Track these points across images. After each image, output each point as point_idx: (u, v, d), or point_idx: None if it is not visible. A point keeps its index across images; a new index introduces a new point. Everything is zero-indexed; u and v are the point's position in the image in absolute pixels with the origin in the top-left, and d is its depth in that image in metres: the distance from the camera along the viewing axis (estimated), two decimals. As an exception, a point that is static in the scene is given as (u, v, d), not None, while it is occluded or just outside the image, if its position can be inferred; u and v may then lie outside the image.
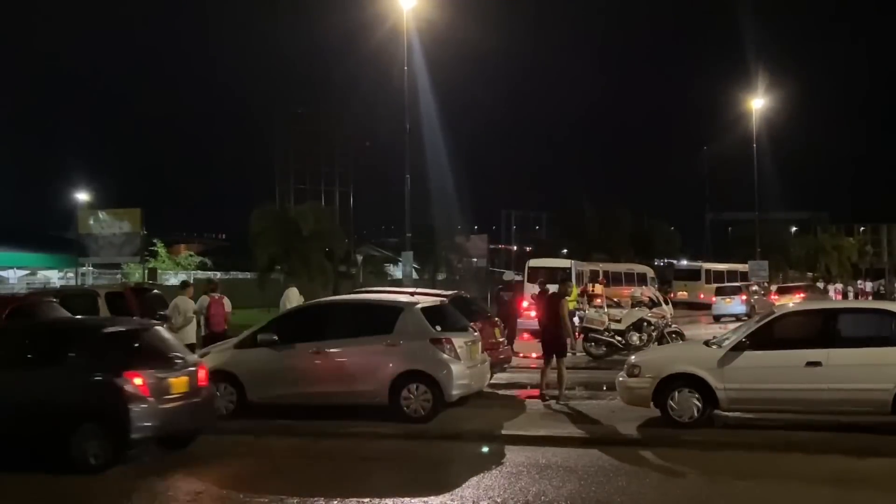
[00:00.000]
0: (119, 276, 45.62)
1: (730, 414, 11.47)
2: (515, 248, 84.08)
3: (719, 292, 43.68)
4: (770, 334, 11.49)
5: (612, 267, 47.37)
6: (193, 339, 15.07)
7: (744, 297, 41.27)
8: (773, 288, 52.97)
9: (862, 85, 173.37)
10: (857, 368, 10.74)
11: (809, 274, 75.86)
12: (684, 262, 63.86)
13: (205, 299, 15.93)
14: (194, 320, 15.11)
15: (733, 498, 8.71)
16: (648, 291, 30.91)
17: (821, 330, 11.41)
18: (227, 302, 16.50)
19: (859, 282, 63.25)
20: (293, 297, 17.73)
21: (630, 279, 45.26)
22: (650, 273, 49.78)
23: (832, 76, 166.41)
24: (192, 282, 18.20)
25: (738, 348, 11.28)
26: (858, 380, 10.69)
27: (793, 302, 29.81)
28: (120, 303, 16.22)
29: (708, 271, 52.60)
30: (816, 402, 10.96)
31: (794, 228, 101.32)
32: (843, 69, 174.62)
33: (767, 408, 11.45)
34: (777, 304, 31.38)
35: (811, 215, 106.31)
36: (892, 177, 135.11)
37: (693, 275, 54.04)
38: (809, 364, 10.82)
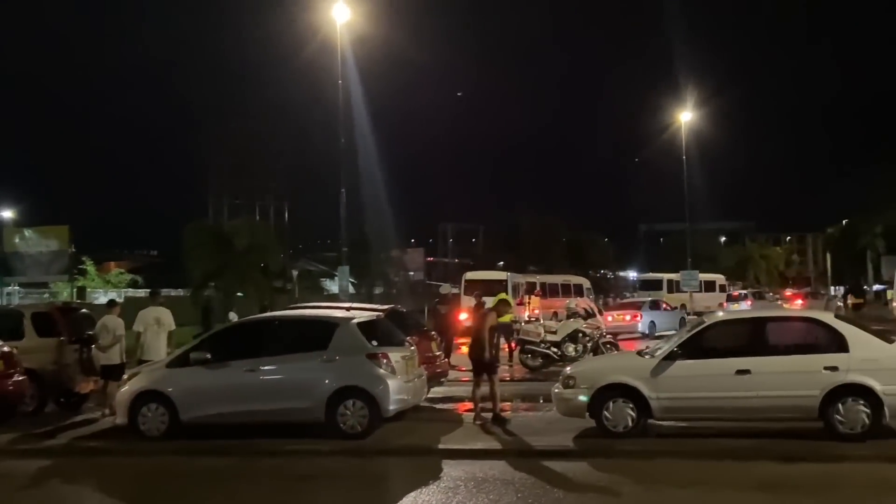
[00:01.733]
0: (47, 295, 44.52)
1: (663, 423, 11.58)
2: (455, 260, 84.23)
3: None
4: (701, 343, 11.61)
5: (549, 278, 47.76)
6: (121, 360, 14.68)
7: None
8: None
9: (790, 101, 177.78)
10: (784, 376, 10.89)
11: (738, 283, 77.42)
12: (649, 274, 64.63)
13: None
14: (123, 340, 14.79)
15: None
16: (584, 303, 31.21)
17: (749, 338, 11.61)
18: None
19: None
20: (165, 322, 15.53)
21: (567, 290, 45.62)
22: (586, 284, 50.34)
23: (762, 92, 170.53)
24: (120, 300, 17.82)
25: (669, 358, 11.41)
26: (786, 387, 10.84)
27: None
28: (46, 323, 15.77)
29: (669, 281, 53.33)
30: (746, 409, 11.12)
31: (723, 238, 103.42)
32: (774, 85, 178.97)
33: (699, 416, 11.54)
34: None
35: (740, 225, 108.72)
36: (816, 188, 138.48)
37: (655, 285, 54.74)
38: (739, 372, 10.99)
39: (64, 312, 16.77)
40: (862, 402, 10.58)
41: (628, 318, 35.61)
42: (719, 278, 60.33)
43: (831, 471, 9.68)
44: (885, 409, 10.57)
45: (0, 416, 13.92)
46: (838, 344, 10.94)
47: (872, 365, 10.69)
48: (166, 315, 15.38)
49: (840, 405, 10.63)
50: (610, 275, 79.71)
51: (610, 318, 35.51)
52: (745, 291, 67.62)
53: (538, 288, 40.96)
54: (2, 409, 14.06)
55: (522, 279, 43.44)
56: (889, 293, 32.91)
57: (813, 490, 9.07)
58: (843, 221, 74.26)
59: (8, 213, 54.45)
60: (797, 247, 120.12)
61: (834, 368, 10.71)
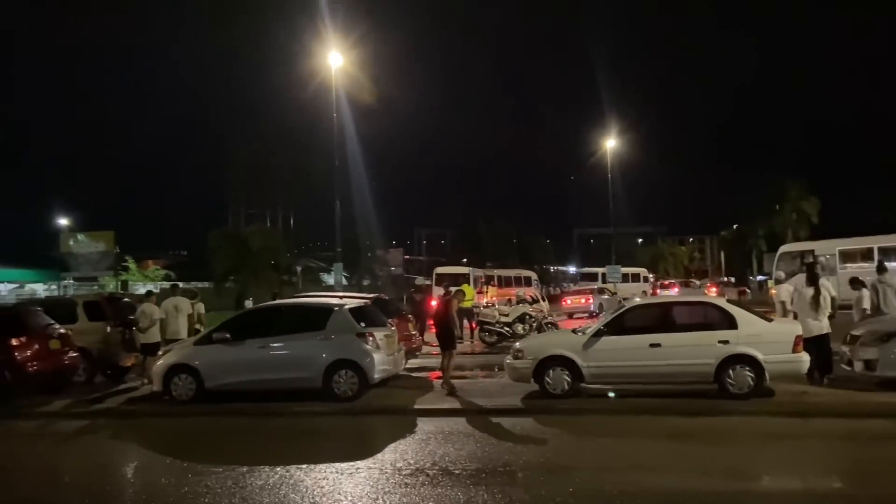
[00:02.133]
0: (96, 287, 43.97)
1: (592, 386, 11.62)
2: (427, 258, 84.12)
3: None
4: (622, 323, 11.66)
5: (505, 272, 48.06)
6: (158, 339, 14.60)
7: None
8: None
9: (693, 127, 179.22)
10: (687, 348, 10.98)
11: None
12: (587, 268, 65.17)
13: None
14: (158, 323, 14.69)
15: (596, 452, 8.85)
16: (531, 291, 31.35)
17: (660, 319, 11.70)
18: (199, 307, 16.36)
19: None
20: (183, 309, 15.24)
21: (519, 282, 45.95)
22: (534, 277, 50.72)
23: (671, 120, 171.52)
24: (156, 291, 17.67)
25: (597, 335, 11.47)
26: (689, 357, 10.94)
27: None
28: (95, 310, 15.61)
29: (603, 274, 53.60)
30: (658, 375, 11.20)
31: (640, 240, 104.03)
32: (679, 114, 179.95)
33: (621, 381, 11.60)
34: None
35: (653, 229, 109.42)
36: (713, 198, 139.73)
37: (592, 277, 55.04)
38: (652, 345, 11.07)
39: (110, 301, 16.60)
40: (748, 368, 10.70)
41: (583, 301, 38.56)
42: (643, 271, 60.86)
43: (724, 423, 9.77)
44: (766, 373, 10.70)
45: (58, 385, 13.79)
46: (729, 322, 11.05)
47: (756, 339, 10.82)
48: (184, 303, 15.28)
49: (731, 371, 10.74)
50: (552, 269, 79.96)
51: (569, 301, 39.47)
52: (674, 281, 68.98)
53: (495, 280, 41.34)
54: (59, 380, 13.93)
55: (482, 273, 43.66)
56: (769, 283, 33.43)
57: (710, 438, 9.18)
58: (734, 226, 75.02)
59: (64, 221, 53.69)
60: (698, 246, 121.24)
61: (726, 342, 10.82)
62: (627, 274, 54.77)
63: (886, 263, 15.51)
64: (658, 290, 56.23)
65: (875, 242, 29.78)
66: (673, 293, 50.71)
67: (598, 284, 47.53)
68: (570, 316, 34.77)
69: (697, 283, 74.72)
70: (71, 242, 42.15)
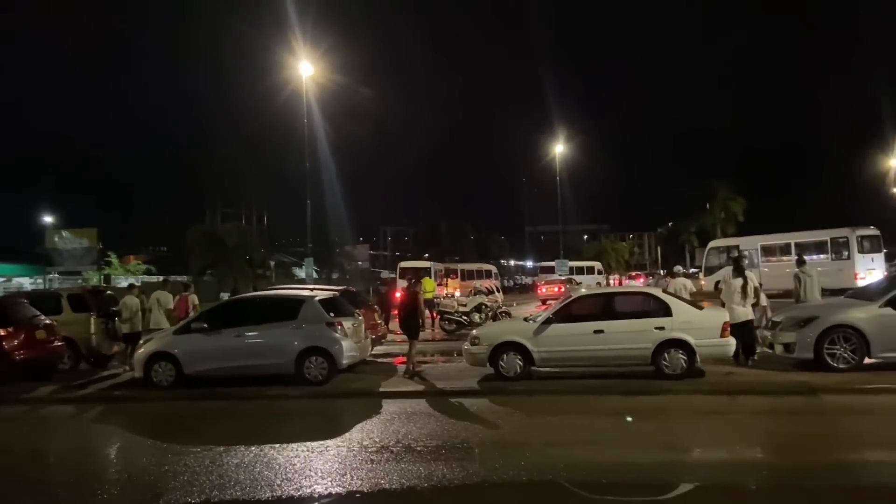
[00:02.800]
0: (80, 281, 42.98)
1: (542, 369, 11.70)
2: (397, 253, 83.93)
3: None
4: (569, 311, 11.72)
5: (468, 266, 48.43)
6: (139, 329, 14.40)
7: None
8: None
9: (633, 135, 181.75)
10: (628, 334, 11.10)
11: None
12: (543, 262, 65.58)
13: (173, 297, 15.66)
14: (139, 314, 14.47)
15: (545, 429, 8.92)
16: (487, 283, 31.45)
17: (603, 307, 11.82)
18: (193, 298, 16.13)
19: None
20: (164, 303, 15.23)
21: (480, 275, 46.23)
22: (494, 270, 51.09)
23: (613, 129, 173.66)
24: (138, 284, 17.42)
25: (546, 322, 11.54)
26: (629, 342, 11.06)
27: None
28: (79, 302, 15.27)
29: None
30: (601, 358, 11.30)
31: (585, 236, 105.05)
32: (621, 123, 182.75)
33: (568, 364, 11.66)
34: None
35: (597, 227, 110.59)
36: (651, 199, 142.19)
37: (549, 269, 55.11)
38: (596, 332, 11.17)
39: (93, 294, 16.27)
40: (681, 351, 10.87)
41: (556, 289, 39.72)
42: (597, 265, 60.71)
43: (660, 401, 9.90)
44: (697, 356, 10.89)
45: (44, 372, 13.47)
46: (664, 311, 11.20)
47: (688, 325, 10.99)
48: (165, 296, 15.19)
49: (666, 354, 10.89)
50: (511, 264, 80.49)
51: (544, 290, 41.12)
52: (640, 272, 70.28)
53: (457, 273, 41.68)
54: (45, 368, 13.61)
55: (443, 267, 43.92)
56: (700, 275, 34.38)
57: (648, 415, 9.29)
58: (670, 223, 76.21)
59: (49, 219, 52.37)
60: (637, 241, 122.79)
61: (662, 328, 10.97)
62: (583, 267, 55.28)
63: (805, 257, 15.95)
64: (625, 280, 57.07)
65: (792, 238, 31.08)
66: (639, 283, 51.70)
67: (547, 278, 48.03)
68: (544, 302, 35.02)
69: (662, 272, 75.59)
70: (56, 239, 41.12)
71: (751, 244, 32.24)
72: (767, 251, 31.38)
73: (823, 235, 29.88)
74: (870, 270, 28.04)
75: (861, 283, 27.08)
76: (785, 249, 30.51)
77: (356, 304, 15.18)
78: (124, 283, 44.85)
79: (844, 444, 7.58)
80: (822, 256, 29.44)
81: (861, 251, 28.54)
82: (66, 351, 14.25)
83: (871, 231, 29.42)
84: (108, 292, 17.44)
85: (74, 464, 8.15)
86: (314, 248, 33.15)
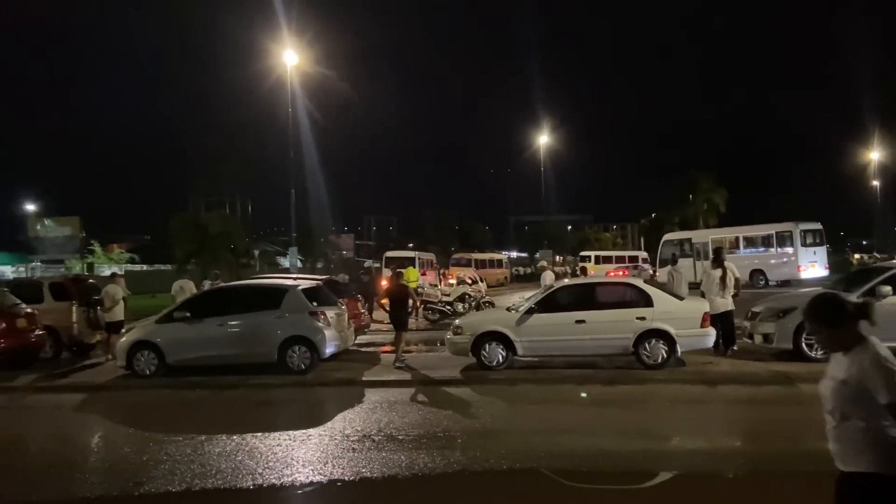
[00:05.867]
0: (62, 269, 42.54)
1: (524, 358, 11.76)
2: (377, 243, 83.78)
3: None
4: (551, 301, 11.78)
5: (480, 255, 49.39)
6: (122, 317, 14.26)
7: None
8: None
9: (618, 126, 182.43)
10: (609, 324, 11.17)
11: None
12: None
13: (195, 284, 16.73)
14: (122, 303, 14.33)
15: (526, 416, 8.97)
16: (471, 273, 31.49)
17: (585, 297, 11.89)
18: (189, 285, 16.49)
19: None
20: (187, 289, 16.33)
21: (493, 264, 47.57)
22: (505, 259, 52.12)
23: (597, 120, 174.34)
24: (121, 273, 17.29)
25: (529, 312, 11.57)
26: (610, 332, 11.13)
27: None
28: (61, 290, 15.09)
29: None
30: (582, 348, 11.36)
31: (569, 226, 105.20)
32: (605, 115, 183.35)
33: (550, 353, 11.71)
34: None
35: (581, 217, 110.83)
36: (634, 190, 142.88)
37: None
38: (578, 322, 11.23)
39: (75, 282, 16.09)
40: (662, 342, 10.96)
41: (621, 274, 38.20)
42: (642, 254, 57.80)
43: (640, 390, 9.98)
44: (678, 346, 10.98)
45: (25, 361, 13.34)
46: (646, 301, 11.27)
47: (669, 316, 11.07)
48: (188, 284, 16.46)
49: (647, 344, 10.98)
50: (510, 253, 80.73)
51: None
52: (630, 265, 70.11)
53: (471, 262, 42.52)
54: (26, 357, 13.48)
55: (433, 256, 44.51)
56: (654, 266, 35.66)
57: (628, 404, 9.36)
58: (653, 215, 76.45)
59: (31, 207, 51.79)
60: (621, 232, 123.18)
61: (643, 318, 11.05)
62: (624, 257, 52.98)
63: (752, 249, 16.39)
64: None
65: (740, 232, 32.70)
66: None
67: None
68: None
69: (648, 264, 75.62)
70: (38, 227, 40.78)
71: (702, 237, 33.58)
72: (718, 244, 32.39)
73: (769, 229, 31.10)
74: (812, 263, 29.48)
75: (803, 274, 28.29)
76: (734, 243, 31.63)
77: (340, 294, 15.16)
78: (107, 272, 44.66)
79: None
80: (768, 249, 30.61)
81: (804, 244, 29.77)
82: (47, 340, 14.11)
83: (814, 225, 30.67)
84: (91, 281, 17.27)
85: (55, 452, 8.08)
86: (298, 236, 32.97)
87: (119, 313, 14.22)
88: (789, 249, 29.88)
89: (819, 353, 10.78)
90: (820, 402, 3.20)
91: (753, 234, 31.43)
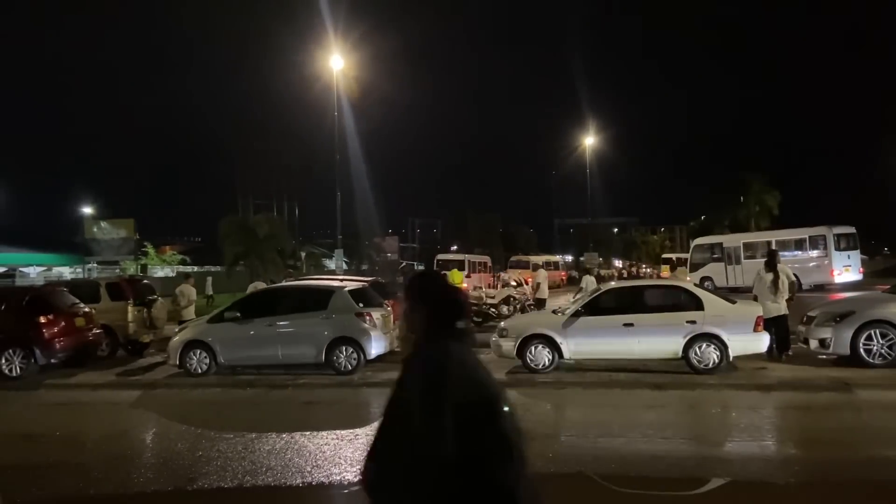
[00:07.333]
0: (117, 270, 43.80)
1: (571, 361, 11.68)
2: (421, 245, 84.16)
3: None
4: (598, 304, 11.68)
5: (535, 258, 49.47)
6: (194, 316, 14.80)
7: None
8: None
9: (666, 129, 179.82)
10: (658, 327, 11.03)
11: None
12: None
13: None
14: (194, 303, 14.95)
15: (573, 419, 8.89)
16: (516, 275, 31.34)
17: (633, 300, 11.74)
18: (190, 291, 16.25)
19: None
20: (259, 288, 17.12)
21: (548, 266, 47.58)
22: (560, 262, 52.02)
23: (646, 122, 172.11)
24: (191, 273, 18.03)
25: (576, 315, 11.50)
26: (659, 335, 10.99)
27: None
28: (117, 290, 15.57)
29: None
30: (630, 351, 11.24)
31: (615, 229, 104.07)
32: (655, 118, 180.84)
33: (597, 357, 11.63)
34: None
35: (627, 220, 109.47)
36: (682, 192, 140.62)
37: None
38: (626, 325, 11.11)
39: (130, 283, 16.62)
40: (713, 346, 10.76)
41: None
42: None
43: (690, 395, 9.81)
44: (729, 350, 10.77)
45: (82, 359, 13.77)
46: (696, 304, 11.10)
47: (720, 320, 10.87)
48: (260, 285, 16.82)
49: (697, 348, 10.80)
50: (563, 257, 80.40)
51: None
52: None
53: (528, 265, 42.84)
54: (84, 354, 13.92)
55: (488, 258, 45.18)
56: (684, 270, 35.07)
57: (677, 409, 9.22)
58: (702, 217, 75.06)
59: (88, 209, 53.51)
60: (669, 235, 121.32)
61: (693, 322, 10.87)
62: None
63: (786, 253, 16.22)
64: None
65: (773, 236, 32.03)
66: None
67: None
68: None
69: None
70: (94, 229, 42.02)
71: (734, 242, 32.99)
72: (749, 248, 32.00)
73: (802, 233, 30.51)
74: (846, 267, 29.04)
75: (837, 279, 27.77)
76: (766, 247, 31.02)
77: (385, 296, 15.24)
78: (160, 273, 45.79)
79: (879, 440, 7.41)
80: (801, 253, 30.05)
81: (838, 248, 29.23)
82: (104, 338, 14.55)
83: (848, 229, 30.10)
84: (145, 281, 17.80)
85: (111, 448, 8.31)
86: (344, 239, 33.31)
87: (192, 312, 14.79)
88: (823, 254, 29.34)
89: (878, 358, 10.47)
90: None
91: (786, 239, 30.86)
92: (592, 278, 19.93)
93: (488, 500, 1.76)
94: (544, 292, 19.99)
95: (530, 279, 21.05)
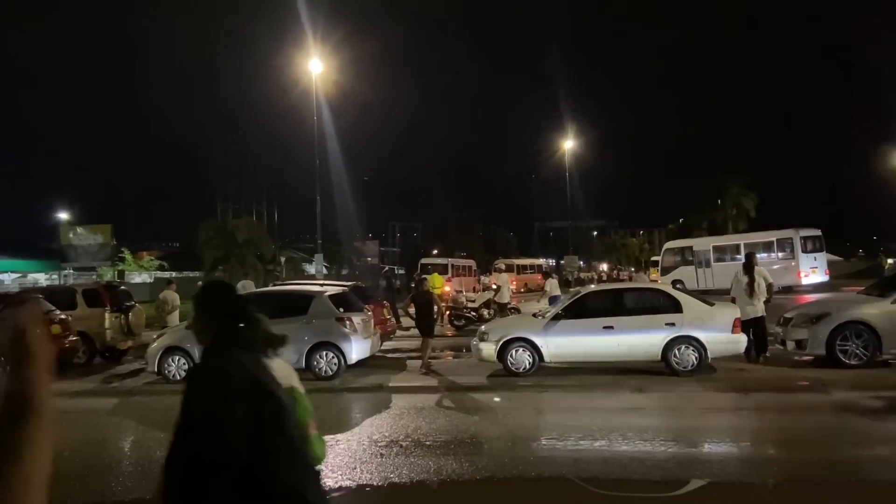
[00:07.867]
0: (94, 276, 43.25)
1: (551, 364, 11.71)
2: (401, 249, 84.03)
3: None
4: (578, 307, 11.75)
5: (521, 261, 49.84)
6: (178, 322, 14.66)
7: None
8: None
9: (642, 132, 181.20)
10: (638, 330, 11.11)
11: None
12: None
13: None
14: (178, 308, 14.79)
15: (554, 422, 8.90)
16: (495, 279, 31.37)
17: (613, 303, 11.81)
18: (173, 297, 16.38)
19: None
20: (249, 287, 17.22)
21: (533, 269, 47.96)
22: (545, 265, 52.31)
23: (623, 126, 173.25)
24: (173, 279, 17.91)
25: (556, 318, 11.55)
26: (639, 338, 11.06)
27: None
28: (93, 297, 15.37)
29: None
30: (610, 354, 11.32)
31: (595, 232, 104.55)
32: (631, 122, 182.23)
33: (577, 359, 11.68)
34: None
35: (606, 223, 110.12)
36: (661, 195, 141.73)
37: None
38: (605, 328, 11.18)
39: (107, 289, 16.37)
40: (692, 348, 10.86)
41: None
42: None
43: (670, 397, 9.86)
44: (708, 352, 10.87)
45: (58, 367, 13.57)
46: (675, 306, 11.19)
47: (699, 322, 10.97)
48: (250, 285, 17.00)
49: (676, 350, 10.89)
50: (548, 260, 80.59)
51: None
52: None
53: (514, 268, 43.31)
54: (60, 363, 13.70)
55: (472, 262, 45.33)
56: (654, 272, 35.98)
57: (657, 411, 9.27)
58: (680, 220, 75.69)
59: (64, 215, 52.83)
60: (647, 238, 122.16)
61: (672, 324, 10.95)
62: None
63: (757, 256, 16.67)
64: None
65: (742, 239, 33.02)
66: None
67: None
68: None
69: (632, 269, 75.22)
70: (70, 235, 41.42)
71: (704, 245, 33.70)
72: (719, 251, 32.60)
73: (770, 236, 31.47)
74: (813, 269, 29.91)
75: (804, 281, 28.36)
76: (735, 250, 31.75)
77: (366, 300, 15.21)
78: (138, 279, 45.27)
79: (856, 441, 7.51)
80: (770, 255, 30.72)
81: (804, 251, 30.09)
82: (80, 345, 14.36)
83: (814, 232, 30.95)
84: (122, 287, 17.60)
85: (88, 456, 8.19)
86: (324, 243, 33.20)
87: (177, 318, 14.64)
88: (790, 256, 30.10)
89: (853, 359, 10.61)
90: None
91: (755, 241, 31.48)
92: (555, 281, 20.01)
93: (280, 500, 1.86)
94: (505, 297, 19.90)
95: (493, 282, 21.13)
